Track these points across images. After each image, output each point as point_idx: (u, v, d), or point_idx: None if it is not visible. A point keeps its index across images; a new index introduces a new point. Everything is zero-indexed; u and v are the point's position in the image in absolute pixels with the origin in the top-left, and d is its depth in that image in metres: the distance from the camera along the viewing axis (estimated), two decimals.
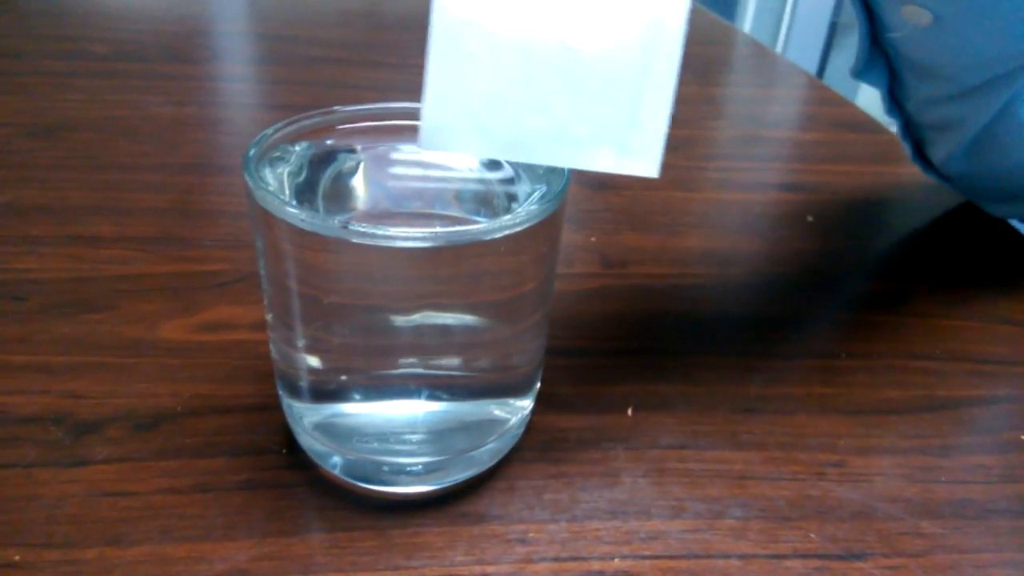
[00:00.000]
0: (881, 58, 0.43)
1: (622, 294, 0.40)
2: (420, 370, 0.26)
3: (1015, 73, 0.37)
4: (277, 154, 0.26)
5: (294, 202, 0.23)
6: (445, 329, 0.25)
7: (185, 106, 0.58)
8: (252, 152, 0.24)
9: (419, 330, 0.25)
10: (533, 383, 0.29)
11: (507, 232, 0.22)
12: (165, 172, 0.48)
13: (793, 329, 0.38)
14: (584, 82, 0.21)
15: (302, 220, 0.21)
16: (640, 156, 0.22)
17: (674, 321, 0.38)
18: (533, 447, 0.30)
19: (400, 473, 0.27)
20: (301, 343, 0.26)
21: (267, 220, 0.23)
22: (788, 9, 1.64)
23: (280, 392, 0.28)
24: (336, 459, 0.27)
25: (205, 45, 0.74)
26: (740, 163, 0.58)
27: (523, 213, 0.22)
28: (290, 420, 0.28)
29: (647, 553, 0.26)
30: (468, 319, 0.25)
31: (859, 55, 0.42)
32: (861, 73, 0.43)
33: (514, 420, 0.28)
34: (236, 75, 0.70)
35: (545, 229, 0.24)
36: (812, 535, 0.27)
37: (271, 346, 0.27)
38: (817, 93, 0.76)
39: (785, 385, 0.34)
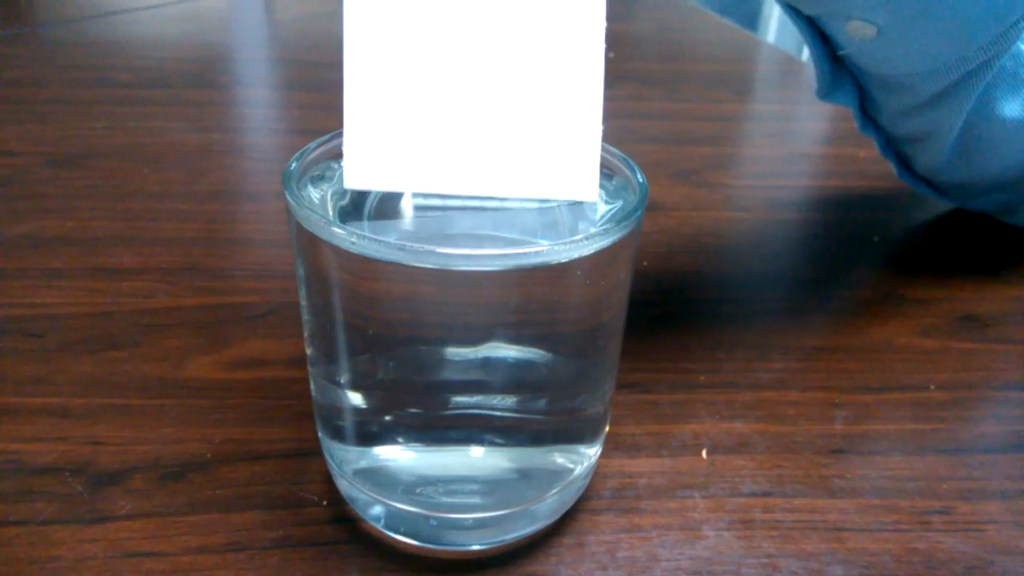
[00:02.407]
0: (847, 76, 0.41)
1: (681, 322, 0.37)
2: (478, 411, 0.23)
3: (977, 73, 0.35)
4: (319, 172, 0.23)
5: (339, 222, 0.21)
6: (509, 365, 0.22)
7: (210, 132, 0.56)
8: (293, 167, 0.22)
9: (479, 365, 0.22)
10: (602, 428, 0.26)
11: (585, 253, 0.19)
12: (191, 200, 0.46)
13: (873, 360, 0.35)
14: (507, 108, 0.20)
15: (352, 243, 0.19)
16: (576, 180, 0.21)
17: (741, 351, 0.35)
18: (601, 495, 0.27)
19: (450, 528, 0.24)
20: (344, 379, 0.23)
21: (310, 242, 0.20)
22: None
23: (320, 435, 0.25)
24: (379, 510, 0.24)
25: (228, 71, 0.73)
26: (792, 181, 0.55)
27: (604, 232, 0.20)
28: (331, 466, 0.25)
29: None
30: (535, 354, 0.22)
31: (820, 76, 0.40)
32: (829, 94, 0.41)
33: (579, 469, 0.25)
34: (261, 101, 0.68)
35: (624, 249, 0.21)
36: None
37: (311, 382, 0.25)
38: None
39: (873, 422, 0.31)
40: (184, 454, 0.27)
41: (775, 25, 1.44)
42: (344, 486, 0.25)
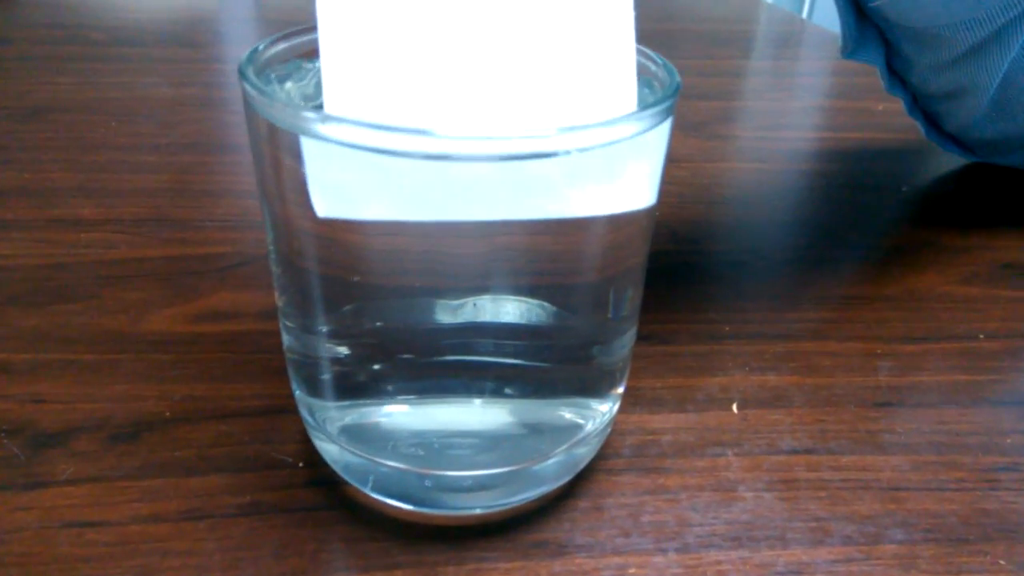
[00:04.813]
0: (872, 31, 0.38)
1: (700, 271, 0.33)
2: (476, 357, 0.20)
3: (1021, 19, 0.32)
4: (287, 70, 0.20)
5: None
6: (517, 310, 0.19)
7: (185, 87, 0.53)
8: (254, 52, 0.18)
9: (479, 305, 0.18)
10: (618, 383, 0.22)
11: (616, 138, 0.16)
12: (161, 152, 0.42)
13: (913, 309, 0.31)
14: (524, 14, 0.16)
15: (325, 127, 0.15)
16: (611, 90, 0.17)
17: (768, 301, 0.31)
18: (620, 453, 0.23)
19: (447, 489, 0.20)
20: (324, 328, 0.19)
21: (275, 144, 0.17)
22: None
23: (295, 390, 0.22)
24: (365, 470, 0.21)
25: (208, 31, 0.69)
26: (807, 132, 0.51)
27: (635, 116, 0.16)
28: (309, 425, 0.21)
29: None
30: (545, 303, 0.19)
31: (846, 33, 0.37)
32: (853, 51, 0.38)
33: (591, 426, 0.21)
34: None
35: (654, 149, 0.17)
36: (1001, 561, 0.20)
37: (283, 332, 0.21)
38: None
39: (920, 373, 0.27)
40: (139, 412, 0.24)
41: None
42: (326, 448, 0.21)
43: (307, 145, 0.16)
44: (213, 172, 0.40)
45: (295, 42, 0.20)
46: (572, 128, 0.15)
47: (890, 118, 0.51)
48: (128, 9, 0.74)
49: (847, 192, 0.42)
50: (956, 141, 0.43)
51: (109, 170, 0.40)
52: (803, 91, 0.62)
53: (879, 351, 0.28)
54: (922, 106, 0.42)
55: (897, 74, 0.41)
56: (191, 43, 0.64)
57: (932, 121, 0.43)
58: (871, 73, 0.50)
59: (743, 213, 0.39)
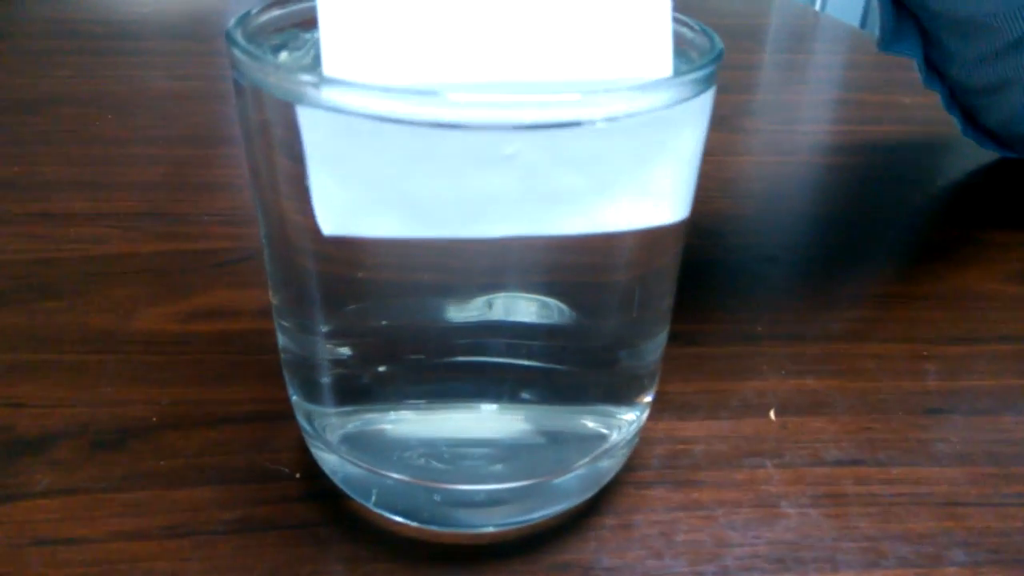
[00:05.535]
0: (910, 23, 0.36)
1: (728, 268, 0.31)
2: (492, 359, 0.18)
3: None
4: (282, 39, 0.18)
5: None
6: (535, 309, 0.17)
7: (186, 80, 0.51)
8: (245, 17, 0.16)
9: (496, 301, 0.16)
10: (648, 389, 0.20)
11: (652, 105, 0.14)
12: (158, 145, 0.41)
13: (957, 308, 0.29)
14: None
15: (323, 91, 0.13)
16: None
17: (803, 299, 0.29)
18: (648, 465, 0.21)
19: (459, 505, 0.18)
20: (324, 327, 0.17)
21: (265, 116, 0.15)
22: None
23: (292, 395, 0.20)
24: (368, 483, 0.19)
25: (212, 24, 0.67)
26: (834, 126, 0.49)
27: (674, 82, 0.14)
28: (307, 433, 0.19)
29: None
30: (566, 302, 0.17)
31: (884, 24, 0.35)
32: (890, 44, 0.36)
33: (616, 436, 0.19)
34: None
35: (695, 121, 0.16)
36: None
37: (279, 333, 0.19)
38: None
39: (971, 377, 0.25)
40: (124, 418, 0.22)
41: None
42: (326, 458, 0.19)
43: (304, 116, 0.14)
44: (213, 165, 0.39)
45: (292, 9, 0.18)
46: (602, 90, 0.13)
47: (918, 111, 0.49)
48: (133, 4, 0.72)
49: (878, 186, 0.40)
50: (995, 137, 0.41)
51: (104, 163, 0.38)
52: (822, 84, 0.59)
53: (924, 353, 0.26)
54: (960, 100, 0.40)
55: (935, 67, 0.39)
56: (194, 36, 0.62)
57: (969, 116, 0.41)
58: (892, 66, 0.47)
59: (771, 207, 0.37)
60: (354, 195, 0.14)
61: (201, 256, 0.30)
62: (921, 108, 0.49)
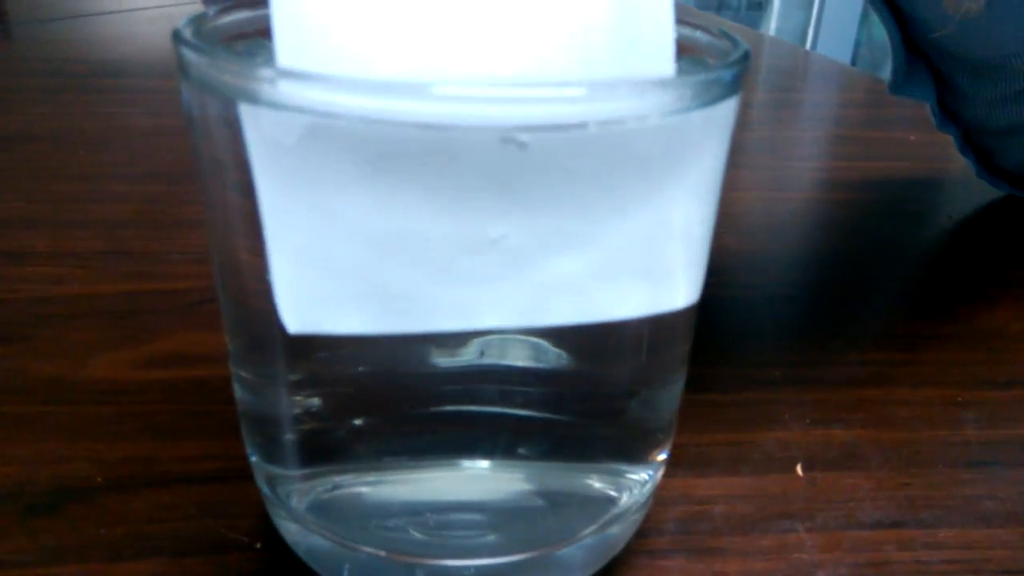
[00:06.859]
0: (922, 66, 0.35)
1: (738, 307, 0.29)
2: (481, 409, 0.15)
3: None
4: (246, 48, 0.16)
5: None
6: (532, 352, 0.15)
7: (162, 116, 0.49)
8: (200, 16, 0.14)
9: (485, 343, 0.14)
10: (664, 445, 0.17)
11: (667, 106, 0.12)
12: (128, 182, 0.38)
13: (990, 350, 0.27)
14: None
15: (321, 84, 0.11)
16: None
17: (821, 341, 0.27)
18: (663, 530, 0.18)
19: None
20: (289, 376, 0.15)
21: (210, 122, 0.12)
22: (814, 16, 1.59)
23: (251, 455, 0.17)
24: (339, 557, 0.16)
25: None
26: (839, 162, 0.47)
27: (694, 81, 0.12)
28: (268, 499, 0.17)
29: None
30: (568, 345, 0.15)
31: (896, 67, 0.34)
32: (902, 87, 0.35)
33: (627, 499, 0.17)
34: None
35: (716, 134, 0.13)
36: None
37: (235, 384, 0.17)
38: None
39: (1015, 425, 0.23)
40: (63, 478, 0.19)
41: (775, 23, 1.41)
42: (289, 528, 0.17)
43: (248, 115, 0.12)
44: (185, 202, 0.36)
45: (258, 13, 0.16)
46: (603, 86, 0.11)
47: (922, 148, 0.48)
48: (114, 43, 0.71)
49: (888, 222, 0.38)
50: (1010, 178, 0.39)
51: (68, 200, 0.36)
52: (818, 121, 0.58)
53: (959, 399, 0.24)
54: (976, 141, 0.39)
55: (948, 109, 0.37)
56: (172, 75, 0.60)
57: (984, 156, 0.39)
58: (889, 103, 0.46)
59: (780, 245, 0.35)
60: (321, 282, 0.12)
61: (168, 297, 0.28)
62: (926, 145, 0.47)
